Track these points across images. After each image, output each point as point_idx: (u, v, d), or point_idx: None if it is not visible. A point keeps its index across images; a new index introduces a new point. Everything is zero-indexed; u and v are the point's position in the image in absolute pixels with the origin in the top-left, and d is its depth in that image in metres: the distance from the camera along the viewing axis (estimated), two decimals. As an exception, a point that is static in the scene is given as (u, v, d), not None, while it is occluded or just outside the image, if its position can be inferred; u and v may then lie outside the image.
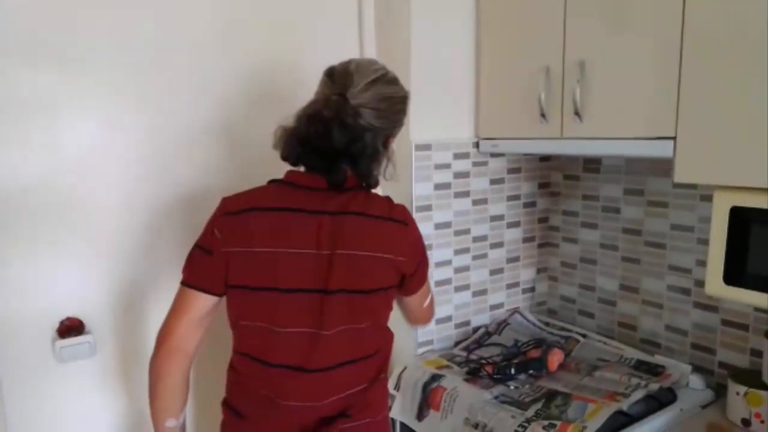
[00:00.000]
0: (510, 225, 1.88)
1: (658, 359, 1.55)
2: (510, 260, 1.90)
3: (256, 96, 1.53)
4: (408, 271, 1.11)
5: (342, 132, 1.00)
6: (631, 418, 1.31)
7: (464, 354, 1.69)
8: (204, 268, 1.05)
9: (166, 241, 1.44)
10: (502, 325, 1.83)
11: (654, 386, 1.40)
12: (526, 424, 1.26)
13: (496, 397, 1.40)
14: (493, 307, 1.87)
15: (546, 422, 1.25)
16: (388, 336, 1.15)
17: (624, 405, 1.32)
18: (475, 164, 1.76)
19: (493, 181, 1.81)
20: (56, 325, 1.33)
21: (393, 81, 1.08)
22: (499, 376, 1.49)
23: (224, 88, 1.49)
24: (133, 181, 1.39)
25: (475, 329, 1.83)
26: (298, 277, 1.02)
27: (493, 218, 1.83)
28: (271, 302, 1.03)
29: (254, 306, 1.05)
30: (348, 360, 1.07)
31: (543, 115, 1.48)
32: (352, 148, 1.01)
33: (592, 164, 1.82)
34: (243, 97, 1.52)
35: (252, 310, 1.05)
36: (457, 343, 1.78)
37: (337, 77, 1.04)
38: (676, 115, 1.18)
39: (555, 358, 1.53)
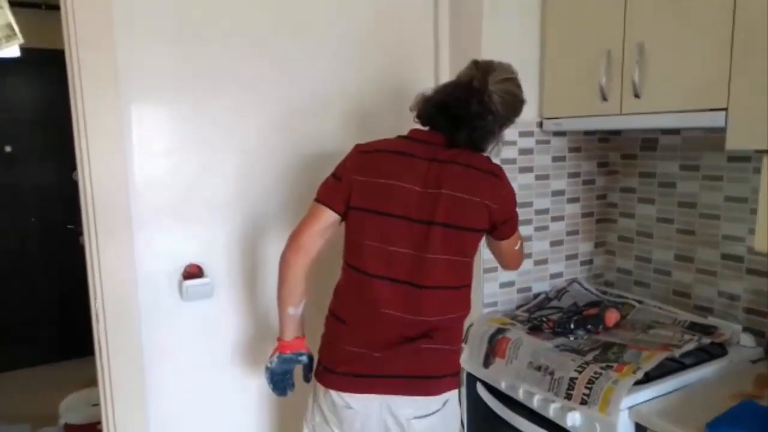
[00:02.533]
0: (570, 200, 2.03)
1: (711, 321, 1.67)
2: (570, 233, 2.04)
3: (370, 72, 1.76)
4: (499, 219, 1.32)
5: (477, 104, 1.27)
6: (683, 365, 1.44)
7: (526, 315, 1.85)
8: (333, 190, 1.33)
9: (276, 199, 1.69)
10: (561, 292, 1.97)
11: (705, 340, 1.53)
12: (584, 365, 1.42)
13: (557, 347, 1.56)
14: (552, 276, 2.02)
15: (603, 364, 1.41)
16: (471, 275, 1.36)
17: (676, 353, 1.45)
18: (538, 142, 1.92)
19: (555, 159, 1.97)
20: (182, 270, 1.59)
21: (519, 86, 1.37)
22: (559, 329, 1.65)
23: (342, 66, 1.73)
24: (252, 142, 1.64)
25: (536, 295, 1.98)
26: (407, 207, 1.27)
27: (555, 193, 1.99)
28: (383, 224, 1.28)
29: (368, 226, 1.29)
30: (443, 285, 1.28)
31: (603, 95, 1.63)
32: (478, 122, 1.28)
33: (649, 144, 1.94)
34: (356, 73, 1.75)
35: (366, 229, 1.30)
36: (518, 307, 1.95)
37: (482, 66, 1.33)
38: (728, 88, 1.32)
39: (612, 315, 1.68)
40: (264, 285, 1.70)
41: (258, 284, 1.70)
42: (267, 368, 1.41)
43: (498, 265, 1.61)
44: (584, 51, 1.70)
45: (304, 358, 1.42)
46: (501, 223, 1.35)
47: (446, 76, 1.88)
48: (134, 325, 1.53)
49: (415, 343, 1.28)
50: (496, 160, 1.41)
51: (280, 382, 1.41)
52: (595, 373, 1.37)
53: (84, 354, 3.51)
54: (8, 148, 3.58)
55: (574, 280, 2.03)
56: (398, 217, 1.27)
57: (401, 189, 1.28)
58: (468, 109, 1.28)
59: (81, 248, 3.66)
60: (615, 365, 1.39)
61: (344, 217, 1.34)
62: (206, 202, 1.61)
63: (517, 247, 1.48)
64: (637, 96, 1.53)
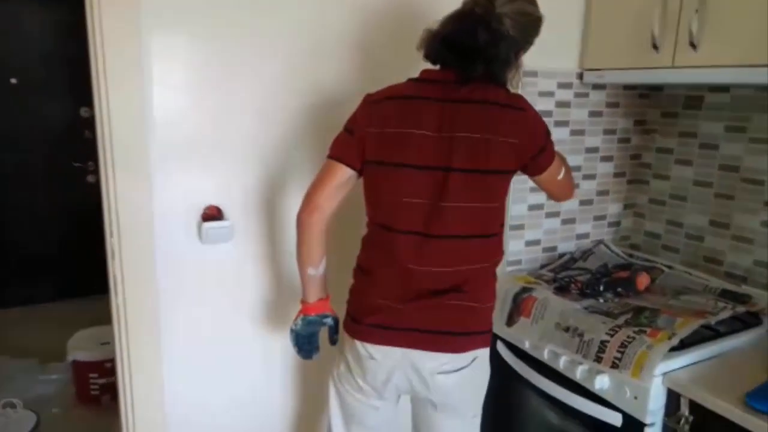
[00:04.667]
0: (603, 159, 1.94)
1: (745, 289, 1.61)
2: (599, 193, 1.97)
3: (388, 11, 1.64)
4: (528, 154, 1.22)
5: (485, 32, 1.14)
6: (718, 333, 1.39)
7: (551, 275, 1.80)
8: (346, 145, 1.25)
9: (296, 144, 1.60)
10: (587, 253, 1.92)
11: (740, 309, 1.47)
12: (616, 329, 1.37)
13: (585, 308, 1.51)
14: (579, 237, 1.96)
15: (636, 328, 1.36)
16: (502, 222, 1.28)
17: (711, 320, 1.40)
18: (576, 95, 1.82)
19: (591, 114, 1.87)
20: (200, 212, 1.52)
21: (533, 2, 1.21)
22: (588, 291, 1.60)
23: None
24: (270, 87, 1.54)
25: (561, 255, 1.92)
26: (423, 154, 1.18)
27: (588, 150, 1.90)
28: (398, 176, 1.20)
29: (383, 179, 1.22)
30: (467, 234, 1.21)
31: (654, 45, 1.52)
32: (490, 51, 1.15)
33: (693, 102, 1.84)
34: (374, 14, 1.62)
35: (381, 183, 1.22)
36: (543, 266, 1.89)
37: None
38: (800, 41, 1.21)
39: (643, 279, 1.62)
40: (283, 233, 1.63)
41: (277, 231, 1.64)
42: (292, 330, 1.36)
43: (524, 223, 1.50)
44: (636, -4, 1.58)
45: (329, 320, 1.36)
46: (532, 158, 1.24)
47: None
48: (150, 263, 1.47)
49: (441, 297, 1.22)
50: (517, 92, 1.28)
51: (305, 344, 1.36)
52: (628, 337, 1.32)
53: (91, 293, 3.54)
54: (13, 80, 3.45)
55: (600, 242, 1.97)
56: (413, 167, 1.19)
57: (414, 136, 1.18)
58: (475, 40, 1.14)
59: (88, 186, 3.64)
60: (648, 330, 1.34)
61: (361, 172, 1.26)
62: (226, 143, 1.53)
63: (560, 177, 1.35)
64: (693, 47, 1.42)
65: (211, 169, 1.52)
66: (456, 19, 1.19)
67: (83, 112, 3.60)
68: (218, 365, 1.64)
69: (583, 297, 1.59)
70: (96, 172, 3.62)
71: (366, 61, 1.64)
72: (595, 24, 1.75)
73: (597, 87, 1.85)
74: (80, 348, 2.63)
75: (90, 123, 3.66)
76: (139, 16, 1.36)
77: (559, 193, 1.42)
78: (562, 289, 1.64)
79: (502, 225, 1.29)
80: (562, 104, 1.81)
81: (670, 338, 1.30)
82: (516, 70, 1.23)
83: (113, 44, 1.34)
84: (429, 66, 1.26)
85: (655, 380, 1.25)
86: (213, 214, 1.53)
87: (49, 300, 3.67)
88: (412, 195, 1.20)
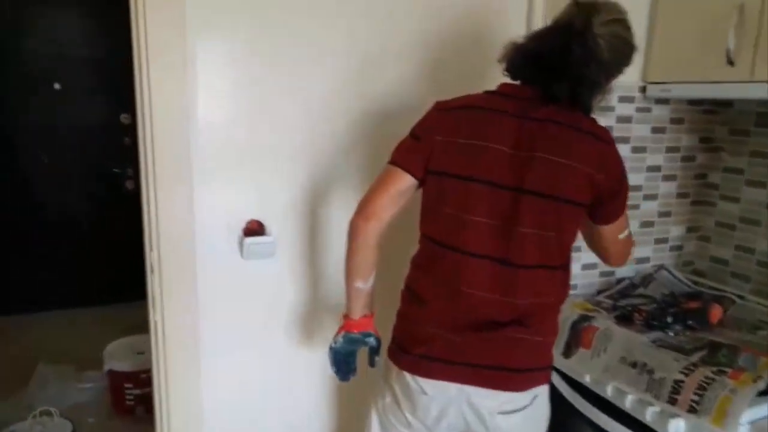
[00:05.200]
0: (666, 178, 1.81)
1: (832, 326, 1.47)
2: (661, 215, 1.84)
3: (450, 23, 1.56)
4: (604, 192, 1.11)
5: (579, 49, 1.06)
6: (807, 377, 1.25)
7: (610, 302, 1.67)
8: (410, 151, 1.17)
9: (344, 156, 1.53)
10: (647, 279, 1.79)
11: (831, 350, 1.33)
12: (692, 368, 1.24)
13: (653, 342, 1.39)
14: (639, 261, 1.83)
15: (714, 368, 1.23)
16: (570, 257, 1.17)
17: (800, 363, 1.26)
18: (638, 110, 1.70)
19: (654, 130, 1.75)
20: (243, 227, 1.46)
21: (629, 28, 1.13)
22: (654, 323, 1.48)
23: (420, 13, 1.53)
24: (318, 96, 1.48)
25: (619, 280, 1.80)
26: (493, 170, 1.09)
27: (650, 169, 1.78)
28: (464, 190, 1.11)
29: (448, 192, 1.13)
30: (539, 264, 1.11)
31: (729, 58, 1.40)
32: (580, 70, 1.07)
33: (766, 119, 1.70)
34: (436, 24, 1.55)
35: (445, 195, 1.13)
36: (599, 292, 1.77)
37: (583, 6, 1.10)
38: None
39: (716, 311, 1.49)
40: (326, 249, 1.56)
41: (320, 248, 1.56)
42: (331, 348, 1.26)
43: (580, 245, 1.31)
44: (709, 4, 1.47)
45: (372, 340, 1.26)
46: (607, 199, 1.14)
47: (540, 22, 1.66)
48: (190, 279, 1.41)
49: (504, 330, 1.12)
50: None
51: (343, 364, 1.27)
52: (707, 378, 1.20)
53: (130, 298, 3.54)
54: (57, 86, 3.49)
55: (661, 267, 1.84)
56: (482, 182, 1.10)
57: (487, 150, 1.10)
58: (568, 57, 1.06)
59: (127, 192, 3.65)
60: (729, 371, 1.22)
61: (422, 182, 1.17)
62: (271, 154, 1.47)
63: (623, 236, 1.24)
64: (778, 58, 1.30)
65: (255, 181, 1.47)
66: (549, 32, 1.11)
67: (123, 118, 3.62)
68: (257, 382, 1.58)
69: (649, 329, 1.47)
70: (135, 178, 3.69)
71: (423, 72, 1.57)
72: (660, 34, 1.63)
73: (660, 101, 1.73)
74: (116, 357, 2.61)
75: (130, 130, 3.76)
76: (185, 21, 1.32)
77: (615, 254, 1.28)
78: (624, 319, 1.52)
79: (569, 258, 1.18)
80: (623, 119, 1.69)
81: (755, 381, 1.17)
82: (602, 96, 1.14)
83: (157, 49, 1.30)
84: (505, 80, 1.18)
85: (741, 429, 1.12)
86: (255, 228, 1.47)
87: (88, 304, 3.69)
88: (481, 213, 1.10)
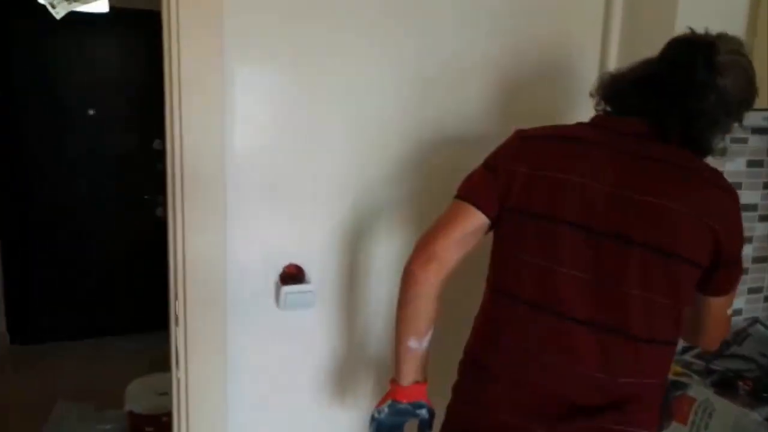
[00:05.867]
0: (762, 218, 1.58)
1: None
2: (756, 260, 1.60)
3: (523, 42, 1.39)
4: (724, 252, 0.90)
5: (704, 69, 0.87)
6: None
7: (701, 363, 1.43)
8: (484, 184, 0.98)
9: (397, 188, 1.35)
10: (742, 335, 1.54)
11: None
12: (830, 461, 1.00)
13: (767, 419, 1.15)
14: (730, 313, 1.59)
15: None
16: (680, 328, 0.95)
17: None
18: (733, 140, 1.48)
19: (750, 163, 1.53)
20: (279, 271, 1.28)
21: (752, 68, 0.94)
22: (765, 395, 1.23)
23: (490, 33, 1.37)
24: (367, 126, 1.30)
25: (707, 335, 1.56)
26: (588, 212, 0.89)
27: (745, 207, 1.52)
28: (551, 234, 0.91)
29: (530, 235, 0.93)
30: (647, 337, 0.89)
31: None
32: (699, 100, 0.88)
33: None
34: (507, 42, 1.38)
35: (526, 239, 0.94)
36: (686, 350, 1.53)
37: (701, 36, 0.93)
38: None
39: (841, 383, 1.23)
40: (371, 299, 1.37)
41: (364, 297, 1.37)
42: (374, 418, 1.04)
43: (686, 328, 1.01)
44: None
45: (424, 413, 1.03)
46: (725, 262, 0.91)
47: (614, 51, 1.47)
48: (220, 333, 1.24)
49: (598, 419, 0.90)
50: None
51: None
52: None
53: (159, 327, 3.41)
54: (91, 111, 3.43)
55: (755, 320, 1.59)
56: (573, 225, 0.90)
57: (580, 187, 0.90)
58: (689, 78, 0.88)
59: (156, 219, 3.53)
60: None
61: (495, 222, 0.98)
62: (312, 189, 1.30)
63: (730, 312, 1.02)
64: None
65: (294, 218, 1.30)
66: (660, 60, 0.93)
67: (156, 144, 3.54)
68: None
69: (757, 402, 1.22)
70: (165, 204, 3.59)
71: (487, 98, 1.38)
72: (759, 53, 1.42)
73: (758, 131, 1.51)
74: (137, 398, 2.45)
75: (162, 156, 3.67)
76: (222, 48, 1.16)
77: (714, 333, 1.05)
78: (724, 387, 1.28)
79: (679, 332, 0.96)
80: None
81: None
82: (722, 138, 0.95)
83: (192, 76, 1.15)
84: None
85: None
86: (293, 273, 1.29)
87: (115, 333, 3.57)
88: (573, 265, 0.90)
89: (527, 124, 1.03)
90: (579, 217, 0.90)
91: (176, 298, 1.21)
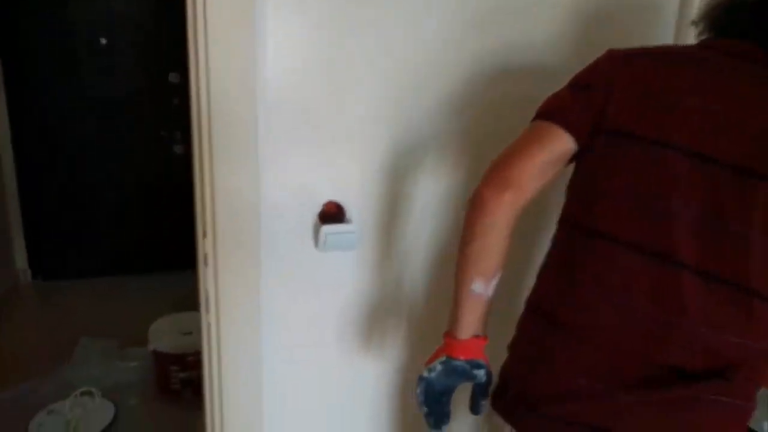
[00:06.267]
0: None
1: None
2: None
3: None
4: None
5: None
6: None
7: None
8: (573, 102, 0.84)
9: (445, 128, 1.20)
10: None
11: None
12: None
13: None
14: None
15: None
16: None
17: None
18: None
19: None
20: (317, 210, 1.16)
21: None
22: None
23: None
24: (419, 52, 1.14)
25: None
26: (703, 136, 0.76)
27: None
28: (658, 161, 0.77)
29: (629, 163, 0.80)
30: (758, 291, 0.76)
31: None
32: None
33: None
34: None
35: (624, 168, 0.80)
36: None
37: None
38: None
39: None
40: (410, 242, 1.25)
41: (404, 240, 1.25)
42: (422, 378, 0.90)
43: None
44: None
45: (482, 374, 0.89)
46: None
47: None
48: (254, 273, 1.13)
49: (696, 386, 0.78)
50: None
51: (436, 404, 0.90)
52: None
53: (177, 267, 3.37)
54: (103, 41, 3.25)
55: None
56: (686, 151, 0.76)
57: (695, 109, 0.76)
58: None
59: (174, 157, 3.43)
60: None
61: (582, 150, 0.84)
62: (351, 123, 1.15)
63: None
64: None
65: (332, 155, 1.16)
66: None
67: (172, 77, 3.37)
68: (325, 408, 1.31)
69: None
70: (183, 142, 3.45)
71: (565, 28, 1.21)
72: None
73: None
74: (161, 338, 2.41)
75: (179, 89, 3.51)
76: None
77: None
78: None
79: None
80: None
81: None
82: None
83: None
84: None
85: None
86: (333, 212, 1.17)
87: (132, 272, 3.53)
88: (683, 199, 0.76)
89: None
90: (693, 143, 0.75)
91: (204, 235, 1.10)
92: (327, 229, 1.11)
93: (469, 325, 0.88)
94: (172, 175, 3.46)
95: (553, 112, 0.86)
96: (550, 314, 0.88)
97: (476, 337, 0.89)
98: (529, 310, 0.94)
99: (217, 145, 1.04)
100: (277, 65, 1.07)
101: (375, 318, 1.27)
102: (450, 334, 0.90)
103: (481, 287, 0.86)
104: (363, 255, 1.22)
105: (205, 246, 1.11)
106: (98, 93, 3.30)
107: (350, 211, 1.18)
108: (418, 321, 1.29)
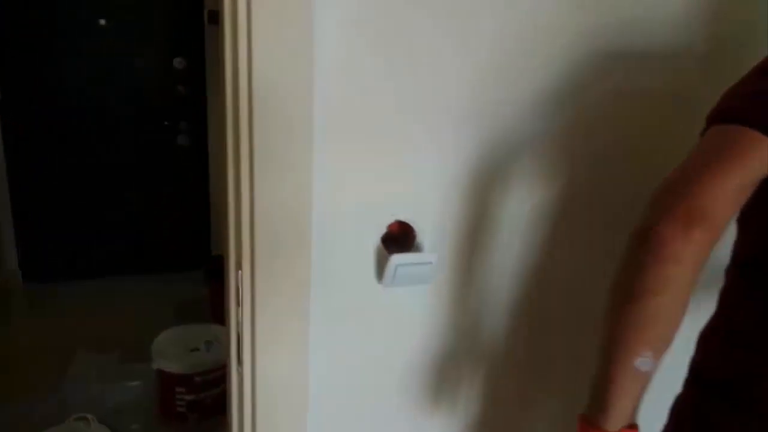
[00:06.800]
0: None
1: None
2: None
3: None
4: None
5: None
6: None
7: None
8: None
9: (543, 127, 0.93)
10: None
11: None
12: None
13: None
14: None
15: None
16: None
17: None
18: None
19: None
20: (381, 232, 0.90)
21: None
22: None
23: None
24: (499, 33, 0.88)
25: None
26: None
27: None
28: None
29: None
30: None
31: None
32: None
33: None
34: None
35: None
36: None
37: None
38: None
39: None
40: (492, 271, 0.99)
41: (484, 269, 0.99)
42: None
43: None
44: None
45: None
46: None
47: None
48: (302, 316, 0.87)
49: None
50: None
51: None
52: None
53: (180, 267, 3.14)
54: (102, 21, 2.96)
55: None
56: None
57: None
58: None
59: (179, 149, 3.16)
60: None
61: None
62: (427, 126, 0.88)
63: None
64: None
65: (400, 162, 0.89)
66: None
67: (177, 62, 3.09)
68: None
69: None
70: (189, 133, 3.19)
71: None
72: None
73: None
74: (166, 355, 2.14)
75: (184, 76, 3.23)
76: None
77: None
78: None
79: None
80: None
81: None
82: None
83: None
84: None
85: None
86: (400, 235, 0.91)
87: (132, 274, 3.26)
88: None
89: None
90: None
91: (239, 267, 0.84)
92: (397, 259, 0.85)
93: (625, 412, 0.63)
94: (176, 168, 3.21)
95: (749, 112, 0.60)
96: (738, 393, 0.64)
97: (631, 427, 0.64)
98: (697, 386, 0.69)
99: (260, 152, 0.77)
100: (337, 53, 0.80)
101: (446, 365, 1.01)
102: (591, 421, 0.65)
103: (650, 363, 0.61)
104: (436, 288, 0.95)
105: (238, 281, 0.84)
106: (95, 78, 3.02)
107: (422, 233, 0.91)
108: (499, 371, 1.04)
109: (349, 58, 0.81)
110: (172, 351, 2.17)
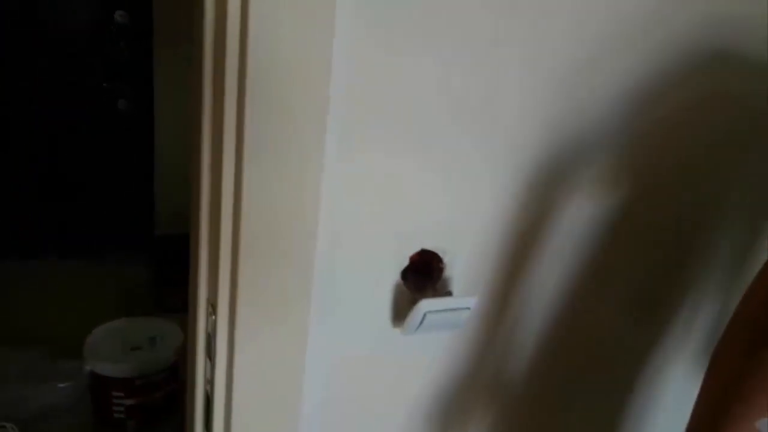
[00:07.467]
0: None
1: None
2: None
3: None
4: None
5: None
6: None
7: None
8: None
9: (605, 149, 0.75)
10: None
11: None
12: None
13: None
14: None
15: None
16: None
17: None
18: None
19: None
20: (403, 264, 0.69)
21: None
22: None
23: None
24: (566, 38, 0.68)
25: None
26: None
27: None
28: None
29: None
30: None
31: None
32: None
33: None
34: None
35: None
36: None
37: None
38: None
39: None
40: (525, 308, 0.81)
41: (516, 304, 0.81)
42: None
43: None
44: None
45: None
46: None
47: None
48: (297, 355, 0.66)
49: None
50: None
51: None
52: None
53: (119, 249, 2.85)
54: (30, -39, 2.56)
55: None
56: None
57: None
58: None
59: (119, 114, 2.84)
60: None
61: None
62: (463, 133, 0.67)
63: None
64: None
65: (432, 178, 0.68)
66: None
67: (119, 16, 2.76)
68: None
69: None
70: (129, 97, 2.88)
71: None
72: None
73: None
74: (102, 355, 1.87)
75: (126, 31, 2.91)
76: None
77: None
78: None
79: None
80: None
81: None
82: None
83: None
84: None
85: None
86: (424, 268, 0.71)
87: (66, 256, 2.93)
88: None
89: None
90: None
91: (212, 313, 0.61)
92: (427, 305, 0.65)
93: None
94: (116, 136, 2.91)
95: None
96: None
97: None
98: None
99: (251, 144, 0.55)
100: (367, 32, 0.58)
101: (465, 414, 0.83)
102: None
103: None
104: (464, 332, 0.76)
105: (210, 326, 0.62)
106: (21, 33, 2.63)
107: (452, 267, 0.71)
108: (520, 419, 0.87)
109: (381, 48, 0.59)
110: (108, 350, 1.90)
